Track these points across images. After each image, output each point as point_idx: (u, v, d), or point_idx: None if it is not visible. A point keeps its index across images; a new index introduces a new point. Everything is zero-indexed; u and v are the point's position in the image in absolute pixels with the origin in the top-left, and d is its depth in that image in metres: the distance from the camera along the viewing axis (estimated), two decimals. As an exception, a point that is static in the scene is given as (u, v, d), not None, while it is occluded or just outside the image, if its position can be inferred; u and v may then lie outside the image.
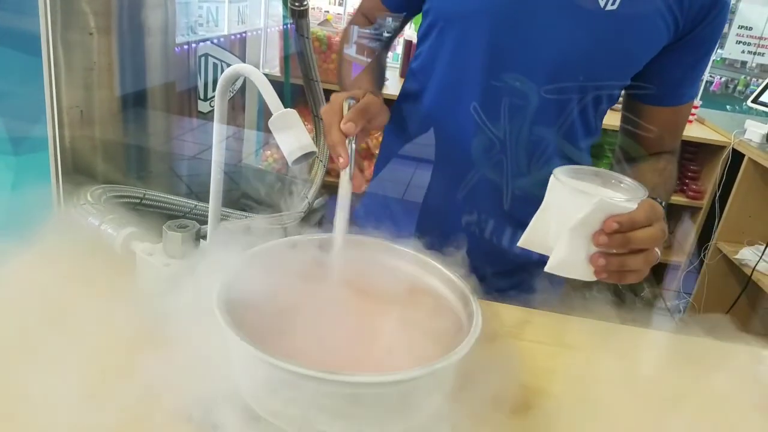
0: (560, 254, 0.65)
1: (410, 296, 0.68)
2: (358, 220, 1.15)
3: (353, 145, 0.72)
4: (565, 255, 0.65)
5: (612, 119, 1.01)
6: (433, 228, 1.05)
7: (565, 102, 0.90)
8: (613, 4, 0.82)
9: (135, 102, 1.17)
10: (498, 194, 0.96)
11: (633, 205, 0.64)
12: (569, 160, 0.96)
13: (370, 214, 1.08)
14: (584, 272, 0.66)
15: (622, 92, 0.97)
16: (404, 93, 1.05)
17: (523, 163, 0.94)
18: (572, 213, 0.63)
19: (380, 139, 3.27)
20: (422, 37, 0.98)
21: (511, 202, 0.97)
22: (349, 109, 0.73)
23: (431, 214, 1.03)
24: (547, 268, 0.66)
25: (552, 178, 0.67)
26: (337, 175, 0.71)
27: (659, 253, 0.70)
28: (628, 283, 0.70)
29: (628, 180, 0.70)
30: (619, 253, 0.67)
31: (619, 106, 1.03)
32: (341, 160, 0.69)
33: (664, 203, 0.79)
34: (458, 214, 1.00)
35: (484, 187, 0.96)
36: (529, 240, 0.69)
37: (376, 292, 0.68)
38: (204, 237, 0.77)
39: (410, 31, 3.03)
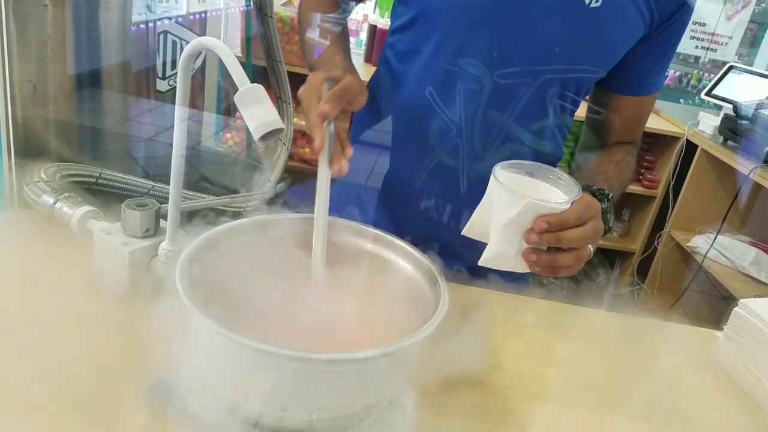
0: (493, 249, 0.68)
1: (378, 276, 0.68)
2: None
3: (332, 129, 0.70)
4: (497, 250, 0.68)
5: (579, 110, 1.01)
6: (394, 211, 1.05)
7: (537, 93, 0.90)
8: (597, 1, 0.83)
9: (90, 77, 1.12)
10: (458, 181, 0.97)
11: (563, 206, 0.66)
12: (542, 153, 0.97)
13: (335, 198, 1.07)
14: (517, 265, 0.69)
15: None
16: (378, 80, 1.04)
17: (492, 153, 0.94)
18: (505, 211, 0.66)
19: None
20: (401, 26, 0.96)
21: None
22: (328, 90, 0.71)
23: (397, 198, 1.03)
24: (480, 262, 0.69)
25: (492, 176, 0.68)
26: (302, 160, 0.70)
27: (592, 250, 0.72)
28: (561, 276, 0.72)
29: (565, 176, 0.71)
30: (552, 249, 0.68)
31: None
32: (317, 143, 0.68)
33: (611, 194, 0.80)
34: (418, 200, 1.00)
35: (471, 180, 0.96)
36: (472, 229, 0.72)
37: (342, 271, 0.68)
38: (164, 216, 0.75)
39: (374, 16, 3.01)
